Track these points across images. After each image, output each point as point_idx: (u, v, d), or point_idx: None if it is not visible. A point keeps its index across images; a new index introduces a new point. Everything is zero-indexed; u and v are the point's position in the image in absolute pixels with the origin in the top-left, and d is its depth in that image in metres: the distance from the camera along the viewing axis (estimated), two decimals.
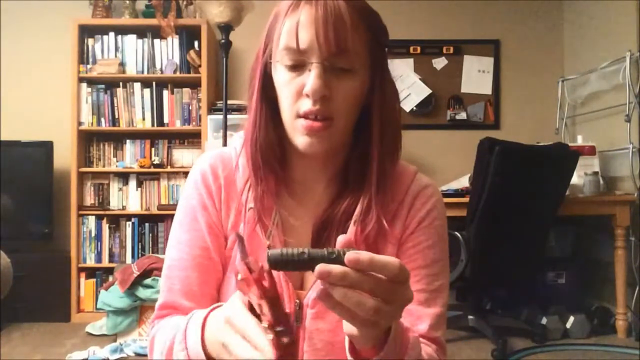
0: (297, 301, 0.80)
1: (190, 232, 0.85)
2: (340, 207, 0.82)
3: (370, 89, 0.81)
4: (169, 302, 0.84)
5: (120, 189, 3.66)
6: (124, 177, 3.67)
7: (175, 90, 3.65)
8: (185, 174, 3.61)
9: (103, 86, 3.62)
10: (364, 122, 0.82)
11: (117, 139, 3.69)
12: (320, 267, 0.53)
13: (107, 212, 3.61)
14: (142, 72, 3.64)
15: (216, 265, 0.84)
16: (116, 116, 3.63)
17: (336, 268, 0.53)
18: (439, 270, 0.84)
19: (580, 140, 3.45)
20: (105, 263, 3.57)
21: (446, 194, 3.21)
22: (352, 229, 0.80)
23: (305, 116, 0.77)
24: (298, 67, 0.77)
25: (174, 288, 0.83)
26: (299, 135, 0.78)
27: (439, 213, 0.87)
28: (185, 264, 0.84)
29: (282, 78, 0.78)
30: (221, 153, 0.89)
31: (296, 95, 0.77)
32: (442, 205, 0.88)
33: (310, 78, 0.74)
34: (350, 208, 0.82)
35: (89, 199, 3.65)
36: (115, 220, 3.62)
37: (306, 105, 0.76)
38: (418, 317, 0.81)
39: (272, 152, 0.83)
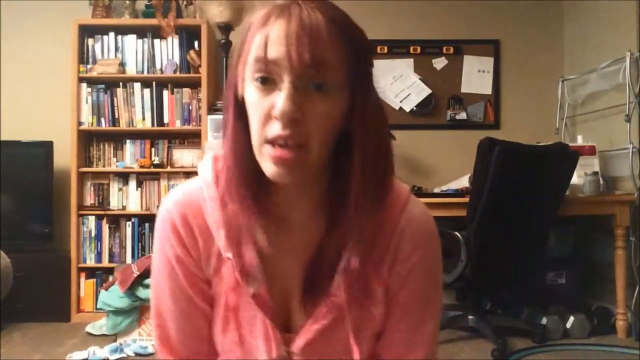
0: (285, 348, 0.78)
1: (171, 282, 0.80)
2: (330, 244, 0.76)
3: (350, 111, 0.72)
4: (167, 344, 0.83)
5: (120, 189, 3.66)
6: (124, 177, 3.67)
7: (175, 90, 3.65)
8: (186, 174, 3.61)
9: (103, 86, 3.61)
10: (347, 145, 0.74)
11: (117, 139, 3.69)
12: None
13: (107, 212, 3.61)
14: (142, 72, 3.63)
15: (204, 309, 0.81)
16: (116, 116, 3.63)
17: None
18: (433, 314, 0.83)
19: (580, 140, 3.44)
20: (105, 263, 3.57)
21: (446, 194, 3.21)
22: (337, 279, 0.76)
23: (274, 142, 0.68)
24: (267, 84, 0.69)
25: (170, 334, 0.82)
26: (266, 163, 0.70)
27: (433, 254, 0.82)
28: (174, 315, 0.81)
29: (251, 98, 0.71)
30: (188, 195, 0.80)
31: (264, 117, 0.69)
32: (434, 241, 0.82)
33: (280, 98, 0.67)
34: (338, 248, 0.75)
35: (89, 199, 3.65)
36: (115, 220, 3.62)
37: (275, 129, 0.68)
38: None
39: (246, 188, 0.74)
